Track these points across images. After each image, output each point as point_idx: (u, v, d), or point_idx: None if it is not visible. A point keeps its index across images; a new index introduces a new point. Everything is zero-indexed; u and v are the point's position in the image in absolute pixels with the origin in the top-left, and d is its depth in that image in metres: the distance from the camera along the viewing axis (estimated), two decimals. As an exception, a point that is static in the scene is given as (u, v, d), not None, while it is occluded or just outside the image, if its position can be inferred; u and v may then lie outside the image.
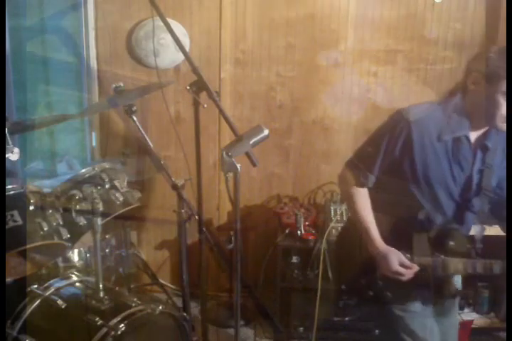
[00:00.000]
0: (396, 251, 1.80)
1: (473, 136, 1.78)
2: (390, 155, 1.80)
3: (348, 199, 1.93)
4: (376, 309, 1.99)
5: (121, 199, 2.19)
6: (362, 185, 1.88)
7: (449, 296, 1.89)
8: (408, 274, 1.79)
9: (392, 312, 1.88)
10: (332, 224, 2.90)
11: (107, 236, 2.68)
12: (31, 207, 1.94)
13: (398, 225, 1.86)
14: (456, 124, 1.75)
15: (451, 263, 1.81)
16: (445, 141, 1.75)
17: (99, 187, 2.14)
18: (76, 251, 2.47)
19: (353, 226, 1.92)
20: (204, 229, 2.04)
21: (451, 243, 1.82)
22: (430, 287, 1.84)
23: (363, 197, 1.88)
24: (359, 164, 1.88)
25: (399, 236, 1.84)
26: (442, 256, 1.81)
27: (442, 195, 1.81)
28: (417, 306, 1.87)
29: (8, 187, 1.86)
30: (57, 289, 2.09)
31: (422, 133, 1.74)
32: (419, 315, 1.87)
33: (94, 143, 3.20)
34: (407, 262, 1.79)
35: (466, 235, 1.89)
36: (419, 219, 1.83)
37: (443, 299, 1.92)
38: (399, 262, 1.78)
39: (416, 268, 1.79)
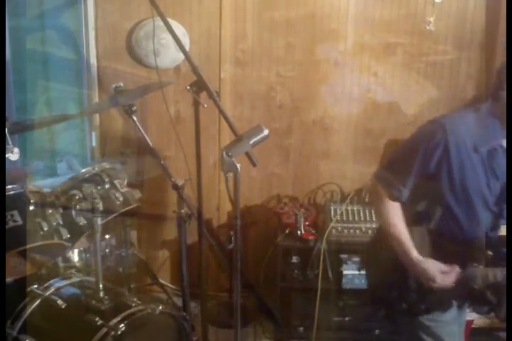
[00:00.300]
0: (432, 260, 1.78)
1: (505, 144, 1.75)
2: (425, 168, 1.76)
3: (381, 214, 1.89)
4: (401, 318, 1.96)
5: (121, 199, 2.19)
6: (395, 200, 1.84)
7: (486, 306, 1.86)
8: (451, 279, 1.77)
9: (419, 321, 1.87)
10: (332, 224, 2.90)
11: (107, 236, 2.67)
12: (31, 207, 1.94)
13: (432, 237, 1.83)
14: (491, 134, 1.72)
15: (491, 273, 1.77)
16: (481, 152, 1.72)
17: (99, 187, 2.13)
18: (76, 251, 2.47)
19: (384, 239, 1.88)
20: (204, 229, 2.04)
21: (490, 252, 1.78)
22: (467, 298, 1.83)
23: (396, 211, 1.84)
24: (392, 178, 1.83)
25: (434, 247, 1.81)
26: (481, 266, 1.78)
27: (478, 205, 1.78)
28: (447, 316, 1.86)
29: (8, 187, 1.86)
30: (57, 289, 2.09)
31: (458, 144, 1.71)
32: (447, 324, 1.87)
33: (94, 143, 3.20)
34: (446, 268, 1.77)
35: (500, 242, 1.85)
36: (454, 229, 1.81)
37: (482, 309, 1.89)
38: (439, 270, 1.76)
39: (457, 269, 1.76)
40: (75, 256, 2.48)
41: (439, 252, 1.80)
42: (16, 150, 1.76)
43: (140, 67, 3.08)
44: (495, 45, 2.97)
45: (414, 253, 1.79)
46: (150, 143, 2.03)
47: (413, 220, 1.84)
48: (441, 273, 1.76)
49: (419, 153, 1.75)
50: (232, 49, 3.08)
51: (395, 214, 1.83)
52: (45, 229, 1.95)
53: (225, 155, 1.51)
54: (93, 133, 3.19)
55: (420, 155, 1.75)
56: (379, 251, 2.00)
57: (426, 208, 1.85)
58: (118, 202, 2.18)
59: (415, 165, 1.76)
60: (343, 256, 2.90)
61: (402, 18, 3.02)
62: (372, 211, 2.90)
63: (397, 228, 1.82)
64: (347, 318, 2.95)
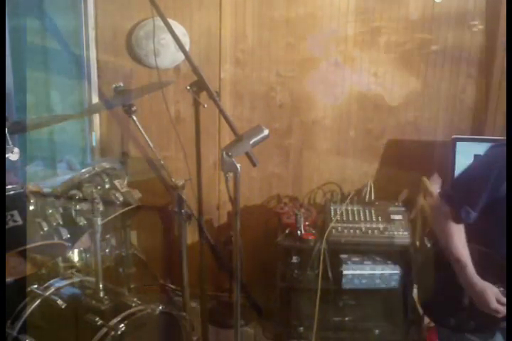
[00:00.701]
0: (493, 287, 1.76)
1: None
2: (496, 192, 1.72)
3: (444, 234, 1.85)
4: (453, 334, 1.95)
5: (121, 199, 2.19)
6: (461, 221, 1.80)
7: None
8: (504, 311, 1.74)
9: (469, 338, 1.87)
10: (332, 224, 2.90)
11: (107, 236, 2.67)
12: (31, 207, 1.94)
13: (492, 257, 1.80)
14: None
15: None
16: None
17: (99, 187, 2.13)
18: (76, 251, 2.47)
19: (442, 256, 1.86)
20: (204, 229, 2.04)
21: None
22: None
23: (460, 233, 1.81)
24: (460, 200, 1.79)
25: (492, 268, 1.79)
26: None
27: None
28: (498, 335, 1.84)
29: (8, 187, 1.85)
30: (57, 289, 2.09)
31: None
32: None
33: (94, 143, 3.20)
34: (504, 299, 1.74)
35: None
36: None
37: None
38: (497, 299, 1.74)
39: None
40: (75, 256, 2.48)
41: (496, 273, 1.78)
42: (16, 150, 1.76)
43: (140, 67, 3.08)
44: (495, 45, 2.97)
45: (476, 277, 1.77)
46: (150, 143, 2.03)
47: (473, 240, 1.82)
48: (497, 300, 1.75)
49: (492, 177, 1.71)
50: (232, 49, 3.08)
51: (459, 235, 1.81)
52: (45, 229, 1.94)
53: (225, 155, 1.51)
54: (93, 133, 3.19)
55: (493, 179, 1.71)
56: (434, 267, 1.98)
57: (487, 229, 1.82)
58: (118, 202, 2.18)
59: (487, 188, 1.72)
60: (343, 256, 2.90)
61: (402, 18, 3.02)
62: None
63: (459, 249, 1.79)
64: (347, 318, 2.95)
